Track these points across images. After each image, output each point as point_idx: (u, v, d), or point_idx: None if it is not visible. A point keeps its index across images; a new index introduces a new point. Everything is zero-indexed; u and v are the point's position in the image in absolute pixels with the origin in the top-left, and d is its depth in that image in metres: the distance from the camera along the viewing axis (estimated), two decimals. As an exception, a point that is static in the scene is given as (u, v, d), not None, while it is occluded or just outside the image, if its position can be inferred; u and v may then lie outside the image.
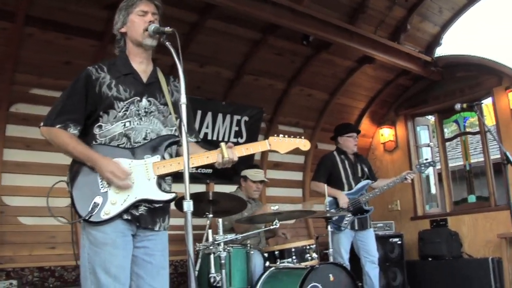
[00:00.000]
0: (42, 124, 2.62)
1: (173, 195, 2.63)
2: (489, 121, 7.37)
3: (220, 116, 6.34)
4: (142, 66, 2.74)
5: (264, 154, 6.93)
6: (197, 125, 6.14)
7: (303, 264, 4.62)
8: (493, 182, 7.06)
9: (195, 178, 6.18)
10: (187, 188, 2.34)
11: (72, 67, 5.06)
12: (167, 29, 2.60)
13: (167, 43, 2.55)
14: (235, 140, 6.50)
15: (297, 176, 7.42)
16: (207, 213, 4.35)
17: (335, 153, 5.90)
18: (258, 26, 5.82)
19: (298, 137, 2.90)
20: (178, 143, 2.72)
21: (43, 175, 4.98)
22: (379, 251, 5.87)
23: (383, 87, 7.72)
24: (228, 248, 4.21)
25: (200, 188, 6.25)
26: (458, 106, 4.58)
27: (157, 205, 2.63)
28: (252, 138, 6.60)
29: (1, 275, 4.65)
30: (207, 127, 6.27)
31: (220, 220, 4.24)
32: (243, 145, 2.73)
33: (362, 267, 5.62)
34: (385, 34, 6.69)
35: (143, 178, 2.56)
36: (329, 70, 6.93)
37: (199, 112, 6.10)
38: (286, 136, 2.85)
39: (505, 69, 6.77)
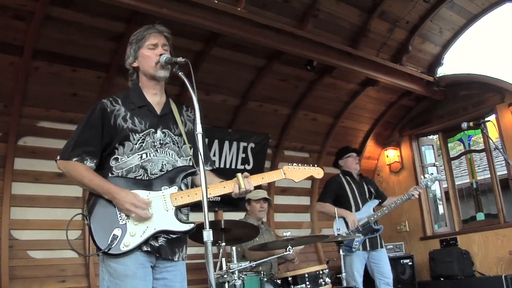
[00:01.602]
0: (58, 157, 2.59)
1: (191, 225, 2.59)
2: (493, 137, 7.34)
3: (226, 143, 6.32)
4: (156, 98, 2.73)
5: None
6: (204, 153, 6.13)
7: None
8: (501, 198, 6.99)
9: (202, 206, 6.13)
10: (207, 217, 2.34)
11: (78, 98, 5.06)
12: (180, 59, 2.59)
13: (179, 73, 2.53)
14: (242, 167, 6.47)
15: (305, 200, 7.36)
16: (220, 242, 4.28)
17: (340, 175, 5.88)
18: (262, 53, 5.84)
19: (311, 165, 2.90)
20: (194, 173, 2.70)
21: (52, 208, 4.96)
22: (391, 273, 5.72)
23: (386, 108, 7.72)
24: (242, 276, 4.13)
25: (209, 216, 6.16)
26: (464, 125, 4.57)
27: (175, 236, 2.60)
28: (259, 164, 6.58)
29: (12, 310, 4.57)
30: (214, 155, 6.24)
31: (233, 248, 4.19)
32: (258, 174, 2.72)
33: (377, 288, 5.51)
34: (387, 56, 6.72)
35: (161, 210, 2.54)
36: (333, 94, 6.94)
37: (205, 141, 6.04)
38: (300, 164, 2.84)
39: (507, 86, 6.78)
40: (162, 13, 4.43)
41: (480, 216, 7.43)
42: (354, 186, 5.76)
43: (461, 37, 7.22)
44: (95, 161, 2.58)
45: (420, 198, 7.64)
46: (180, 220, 2.58)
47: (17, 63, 4.65)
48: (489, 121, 4.75)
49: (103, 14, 4.67)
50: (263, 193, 5.54)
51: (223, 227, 4.28)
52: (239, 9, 4.94)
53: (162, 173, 2.60)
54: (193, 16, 4.67)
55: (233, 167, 6.39)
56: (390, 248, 7.12)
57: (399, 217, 7.77)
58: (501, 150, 5.08)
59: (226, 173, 6.29)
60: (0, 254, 4.65)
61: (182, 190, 2.62)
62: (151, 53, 2.66)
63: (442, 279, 6.78)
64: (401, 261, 6.92)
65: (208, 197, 2.47)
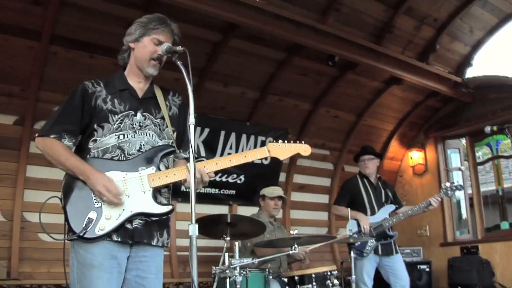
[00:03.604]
0: (37, 135, 2.59)
1: (170, 207, 2.55)
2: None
3: (244, 136, 6.30)
4: (140, 85, 2.72)
5: (289, 176, 6.89)
6: (220, 146, 6.13)
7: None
8: None
9: (218, 199, 6.20)
10: (193, 210, 2.27)
11: (95, 85, 5.10)
12: (179, 48, 2.55)
13: (178, 62, 2.50)
14: (259, 161, 6.37)
15: (323, 198, 7.31)
16: (225, 236, 4.26)
17: (358, 177, 5.75)
18: (282, 46, 5.79)
19: (298, 142, 2.81)
20: (174, 153, 2.67)
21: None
22: (408, 278, 5.65)
23: (412, 108, 7.58)
24: (245, 272, 4.10)
25: (223, 209, 6.22)
26: (488, 129, 4.43)
27: (154, 219, 2.56)
28: (276, 159, 6.50)
29: (20, 291, 4.65)
30: (230, 148, 6.22)
31: (237, 243, 4.17)
32: (241, 153, 2.67)
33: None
34: (413, 55, 6.58)
35: (138, 191, 2.50)
36: (355, 91, 6.84)
37: (222, 133, 6.07)
38: (286, 141, 2.76)
39: None
40: (178, 2, 4.42)
41: (505, 225, 7.28)
42: (370, 189, 5.65)
43: (493, 38, 7.04)
44: (73, 140, 2.55)
45: (443, 202, 7.34)
46: (158, 202, 2.53)
47: (35, 48, 4.72)
48: (508, 126, 4.57)
49: (120, 1, 4.69)
50: (278, 191, 5.50)
51: (229, 221, 4.26)
52: (258, 0, 4.90)
53: (140, 153, 2.56)
54: (210, 6, 4.64)
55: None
56: (407, 253, 7.03)
57: (420, 221, 7.63)
58: None
59: (242, 167, 6.37)
60: (12, 235, 4.76)
61: (160, 170, 2.57)
62: (152, 48, 2.63)
63: (461, 288, 6.61)
64: (418, 266, 6.81)
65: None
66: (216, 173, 2.62)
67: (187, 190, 2.39)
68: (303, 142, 2.85)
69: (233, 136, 6.22)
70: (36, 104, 4.97)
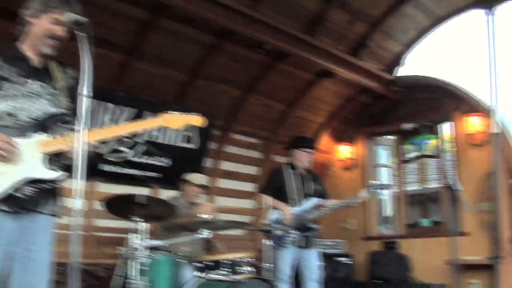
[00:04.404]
0: None
1: (60, 173, 2.55)
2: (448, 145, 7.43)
3: (170, 119, 6.21)
4: (35, 57, 2.67)
5: (216, 162, 6.89)
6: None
7: (237, 277, 4.46)
8: (448, 207, 6.93)
9: (139, 180, 6.07)
10: (79, 183, 2.24)
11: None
12: (83, 19, 2.48)
13: (79, 33, 2.44)
14: (185, 145, 6.42)
15: (250, 187, 7.34)
16: (133, 216, 4.18)
17: (285, 166, 5.71)
18: (214, 30, 5.75)
19: (191, 113, 2.81)
20: (68, 123, 2.64)
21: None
22: (326, 270, 5.76)
23: (344, 103, 7.71)
24: (153, 255, 4.09)
25: (144, 192, 6.03)
26: (407, 126, 4.55)
27: (45, 187, 2.54)
28: (203, 144, 6.53)
29: None
30: (158, 130, 6.13)
31: (144, 224, 4.12)
32: (136, 122, 2.70)
33: (304, 286, 5.47)
34: (345, 49, 6.67)
35: (28, 157, 2.47)
36: (287, 81, 6.88)
37: (147, 114, 5.97)
38: (179, 112, 2.77)
39: (464, 94, 6.88)
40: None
41: (425, 223, 7.60)
42: (297, 180, 5.63)
43: (426, 39, 7.24)
44: None
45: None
46: (48, 168, 2.52)
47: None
48: (432, 125, 4.76)
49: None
50: (202, 179, 5.47)
51: (139, 201, 4.17)
52: (187, -19, 4.86)
53: (33, 120, 2.53)
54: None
55: (174, 143, 6.35)
56: (329, 245, 7.15)
57: (345, 215, 7.73)
58: (442, 158, 5.09)
59: (167, 150, 6.28)
60: None
61: (53, 138, 2.56)
62: (50, 27, 2.57)
63: (379, 282, 6.83)
64: (338, 258, 6.97)
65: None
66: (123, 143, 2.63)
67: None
68: (197, 113, 2.84)
69: (158, 118, 6.13)
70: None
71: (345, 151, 8.19)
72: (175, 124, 2.73)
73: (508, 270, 6.11)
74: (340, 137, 8.28)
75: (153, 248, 4.16)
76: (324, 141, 8.08)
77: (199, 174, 5.55)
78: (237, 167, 7.22)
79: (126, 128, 2.66)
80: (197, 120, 2.81)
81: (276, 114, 7.30)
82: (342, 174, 8.20)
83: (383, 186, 5.57)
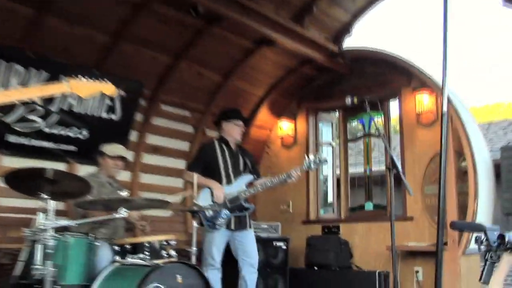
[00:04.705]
0: None
1: None
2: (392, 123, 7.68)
3: (89, 85, 6.14)
4: None
5: (141, 135, 6.91)
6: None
7: (156, 262, 4.51)
8: (392, 190, 7.18)
9: (52, 154, 6.01)
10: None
11: None
12: None
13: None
14: (107, 116, 6.40)
15: (180, 164, 7.35)
16: (40, 193, 4.08)
17: (215, 141, 5.82)
18: (139, -13, 5.69)
19: (102, 80, 2.88)
20: None
21: None
22: (260, 255, 5.83)
23: (285, 74, 7.78)
24: (62, 237, 4.08)
25: (60, 167, 5.89)
26: (348, 100, 4.71)
27: None
28: (127, 115, 6.52)
29: None
30: (75, 98, 6.06)
31: (52, 202, 4.06)
32: (37, 86, 2.70)
33: (239, 271, 5.59)
34: (287, 15, 6.70)
35: None
36: (223, 48, 6.90)
37: (63, 78, 5.87)
38: (88, 78, 2.81)
39: (414, 69, 7.00)
40: None
41: (369, 206, 7.71)
42: (228, 156, 5.74)
43: (375, 9, 7.35)
44: None
45: (308, 178, 7.93)
46: None
47: None
48: (377, 101, 4.84)
49: None
50: (120, 150, 5.48)
51: (49, 176, 4.06)
52: None
53: None
54: None
55: (96, 114, 6.31)
56: (264, 228, 7.28)
57: (284, 197, 7.96)
58: (383, 138, 5.23)
59: (86, 120, 6.21)
60: None
61: None
62: None
63: (316, 268, 7.00)
64: (274, 243, 7.03)
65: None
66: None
67: None
68: (105, 79, 2.87)
69: (77, 85, 6.05)
70: None
71: (286, 127, 8.29)
72: (83, 91, 2.76)
73: (452, 256, 6.33)
74: (281, 112, 8.37)
75: (63, 229, 4.14)
76: (263, 115, 8.19)
77: (117, 145, 5.54)
78: (166, 142, 7.26)
79: (24, 92, 2.64)
80: (109, 88, 2.85)
81: (210, 84, 7.33)
82: (282, 153, 8.33)
83: (321, 161, 5.63)
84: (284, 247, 7.15)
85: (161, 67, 6.74)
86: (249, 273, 5.57)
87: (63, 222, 4.08)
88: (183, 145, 7.46)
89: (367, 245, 7.22)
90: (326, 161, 5.80)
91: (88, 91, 2.77)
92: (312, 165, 5.59)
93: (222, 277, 5.53)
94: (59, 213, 4.21)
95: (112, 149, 5.42)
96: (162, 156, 7.24)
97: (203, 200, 5.49)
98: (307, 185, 7.90)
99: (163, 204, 5.31)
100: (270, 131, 8.47)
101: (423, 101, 7.02)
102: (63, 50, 5.84)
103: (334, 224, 7.60)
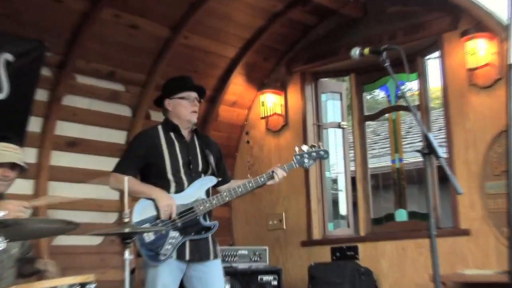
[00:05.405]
0: None
1: None
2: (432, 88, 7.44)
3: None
4: None
5: (48, 123, 6.66)
6: None
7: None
8: (436, 190, 6.90)
9: None
10: None
11: None
12: None
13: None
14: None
15: (109, 164, 6.65)
16: None
17: (160, 128, 5.34)
18: None
19: None
20: None
21: None
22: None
23: (266, 23, 7.44)
24: None
25: None
26: (356, 52, 4.06)
27: None
28: (21, 93, 6.19)
29: None
30: None
31: None
32: None
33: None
34: None
35: None
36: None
37: None
38: None
39: (464, 3, 6.55)
40: None
41: (401, 215, 7.45)
42: (178, 150, 5.26)
43: None
44: None
45: (309, 180, 7.72)
46: None
47: None
48: (393, 48, 4.17)
49: None
50: (12, 154, 4.89)
51: None
52: None
53: None
54: None
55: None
56: (243, 255, 7.06)
57: (273, 206, 7.85)
58: (414, 111, 4.61)
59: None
60: None
61: None
62: None
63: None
64: (259, 278, 6.85)
65: None
66: None
67: None
68: None
69: None
70: None
71: (271, 103, 8.01)
72: None
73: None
74: (263, 80, 8.16)
75: None
76: (237, 87, 7.99)
77: (8, 144, 4.92)
78: (87, 132, 6.94)
79: None
80: None
81: (152, 41, 7.02)
82: (268, 141, 8.14)
83: (320, 154, 5.27)
84: (275, 282, 6.94)
85: (74, 18, 6.38)
86: None
87: None
88: (116, 136, 7.15)
89: (401, 274, 6.95)
90: (328, 153, 5.39)
91: None
92: (306, 161, 5.26)
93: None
94: None
95: (1, 151, 4.90)
96: (82, 153, 6.91)
97: (140, 216, 5.01)
98: (307, 188, 7.67)
99: (68, 226, 4.65)
100: (248, 110, 8.29)
101: (479, 51, 6.57)
102: None
103: (349, 244, 7.34)
